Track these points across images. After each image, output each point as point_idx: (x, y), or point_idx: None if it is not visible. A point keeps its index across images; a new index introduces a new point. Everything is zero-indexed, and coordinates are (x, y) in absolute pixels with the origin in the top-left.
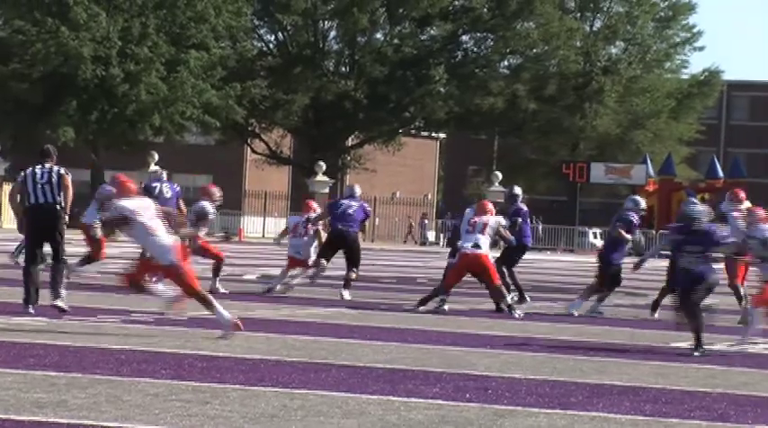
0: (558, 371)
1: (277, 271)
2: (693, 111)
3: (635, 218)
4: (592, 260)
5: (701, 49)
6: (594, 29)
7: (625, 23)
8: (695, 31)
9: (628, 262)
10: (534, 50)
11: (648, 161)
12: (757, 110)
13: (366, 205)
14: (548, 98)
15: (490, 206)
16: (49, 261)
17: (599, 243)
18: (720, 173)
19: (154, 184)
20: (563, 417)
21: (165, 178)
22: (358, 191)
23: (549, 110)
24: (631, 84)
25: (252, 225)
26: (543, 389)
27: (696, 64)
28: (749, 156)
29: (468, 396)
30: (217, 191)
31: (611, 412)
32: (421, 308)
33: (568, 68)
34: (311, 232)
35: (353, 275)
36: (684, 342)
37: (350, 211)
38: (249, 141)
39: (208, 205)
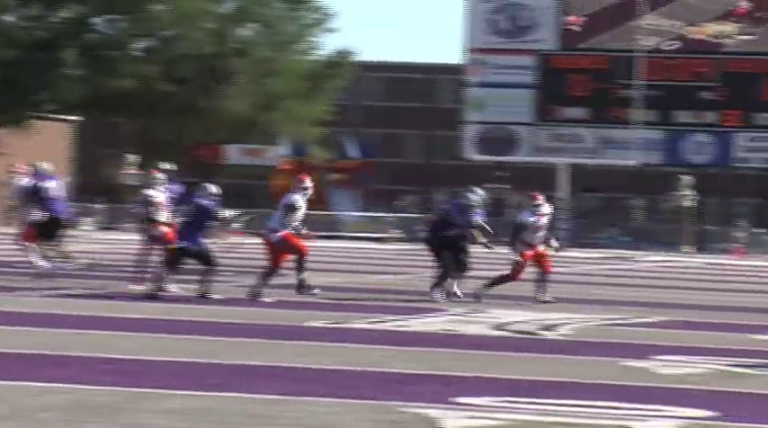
0: (198, 353)
1: None
2: (327, 91)
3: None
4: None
5: (333, 30)
6: (227, 11)
7: (257, 5)
8: (326, 12)
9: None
10: (167, 32)
11: (283, 142)
12: (391, 90)
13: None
14: (181, 80)
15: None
16: None
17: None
18: (354, 153)
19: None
20: (200, 398)
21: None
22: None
23: (183, 91)
24: (264, 66)
25: None
26: (181, 371)
27: (329, 45)
28: (384, 136)
29: (104, 379)
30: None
31: (250, 392)
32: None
33: (202, 50)
34: None
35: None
36: (318, 321)
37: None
38: None
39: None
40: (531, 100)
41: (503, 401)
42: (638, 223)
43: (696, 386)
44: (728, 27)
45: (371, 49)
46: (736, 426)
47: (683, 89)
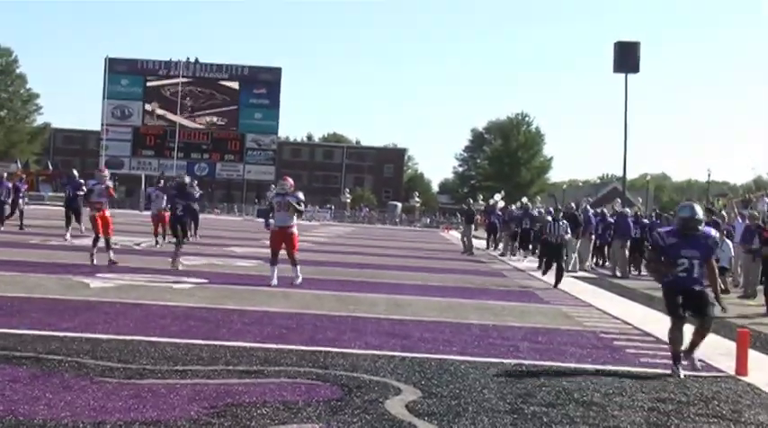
0: None
1: None
2: None
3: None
4: None
5: None
6: None
7: None
8: None
9: None
10: None
11: None
12: None
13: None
14: None
15: None
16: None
17: None
18: None
19: None
20: None
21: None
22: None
23: None
24: None
25: None
26: None
27: None
28: None
29: None
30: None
31: None
32: None
33: None
34: None
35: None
36: None
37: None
38: None
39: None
40: (131, 144)
41: (122, 276)
42: None
43: None
44: (215, 118)
45: None
46: None
47: (196, 144)
